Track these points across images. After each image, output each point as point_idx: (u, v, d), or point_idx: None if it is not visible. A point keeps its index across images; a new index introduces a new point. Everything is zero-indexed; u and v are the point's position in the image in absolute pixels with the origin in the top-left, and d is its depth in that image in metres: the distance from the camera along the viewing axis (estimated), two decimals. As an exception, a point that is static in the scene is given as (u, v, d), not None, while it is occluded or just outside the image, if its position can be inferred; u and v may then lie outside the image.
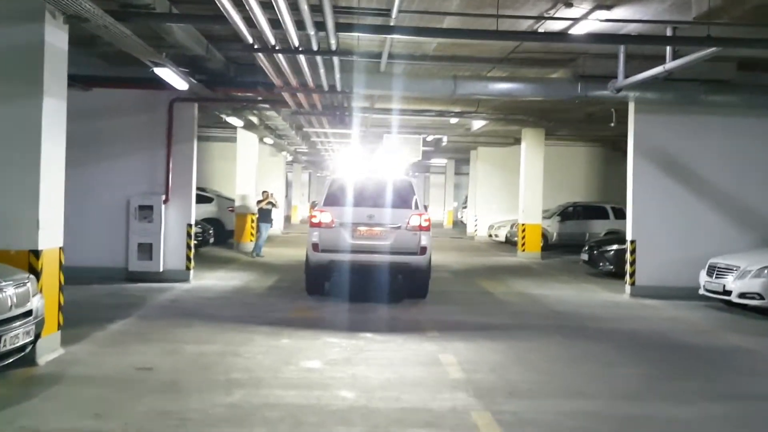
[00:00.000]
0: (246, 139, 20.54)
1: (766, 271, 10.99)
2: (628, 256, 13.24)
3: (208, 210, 21.35)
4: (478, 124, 20.82)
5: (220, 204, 21.93)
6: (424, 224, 11.38)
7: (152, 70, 9.35)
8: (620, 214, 25.68)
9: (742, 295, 11.17)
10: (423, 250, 11.29)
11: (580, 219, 25.10)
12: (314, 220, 11.38)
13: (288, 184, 38.24)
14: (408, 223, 11.30)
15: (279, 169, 29.69)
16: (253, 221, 20.61)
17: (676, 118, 13.17)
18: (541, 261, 20.16)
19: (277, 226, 27.42)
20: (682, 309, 11.76)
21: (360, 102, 13.43)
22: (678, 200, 13.20)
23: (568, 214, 24.97)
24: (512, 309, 11.37)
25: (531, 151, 20.94)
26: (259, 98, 13.39)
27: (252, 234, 20.52)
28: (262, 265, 16.38)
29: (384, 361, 7.44)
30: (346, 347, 8.05)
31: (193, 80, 10.42)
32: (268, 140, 21.46)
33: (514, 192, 27.94)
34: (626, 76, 11.03)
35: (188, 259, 12.89)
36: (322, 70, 9.85)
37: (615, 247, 16.45)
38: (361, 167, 12.12)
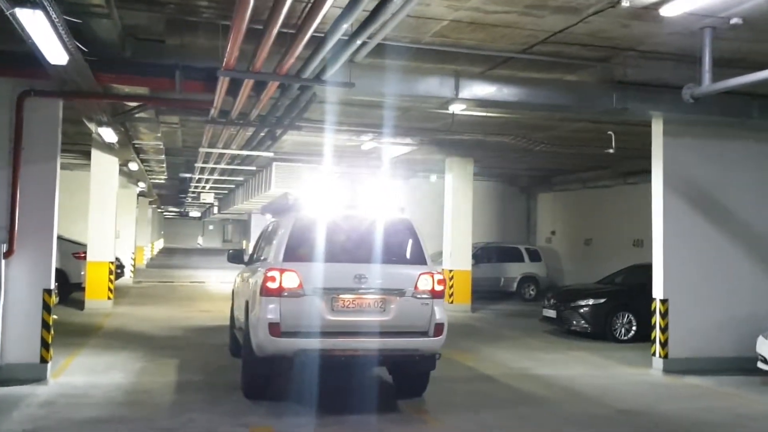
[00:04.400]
0: (103, 164, 15.54)
1: None
2: (658, 319, 10.16)
3: (48, 257, 15.94)
4: (397, 151, 17.26)
5: (63, 249, 16.54)
6: (438, 288, 7.58)
7: (10, 13, 4.84)
8: (535, 256, 23.25)
9: None
10: (438, 330, 7.48)
11: (493, 262, 22.35)
12: (271, 285, 7.09)
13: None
14: (416, 286, 7.44)
15: (131, 204, 24.41)
16: (111, 271, 15.63)
17: (713, 144, 10.44)
18: (476, 315, 16.86)
19: (127, 274, 22.20)
20: (758, 392, 8.84)
21: (332, 101, 9.41)
22: (718, 248, 10.41)
23: (479, 257, 22.06)
24: (559, 411, 7.77)
25: (459, 185, 17.64)
26: (165, 97, 8.84)
27: (110, 289, 15.55)
28: (142, 339, 11.62)
29: None
30: None
31: (81, 47, 5.91)
32: (133, 165, 16.54)
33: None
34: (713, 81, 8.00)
35: (45, 345, 8.04)
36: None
37: (591, 302, 13.54)
38: (329, 202, 7.82)
